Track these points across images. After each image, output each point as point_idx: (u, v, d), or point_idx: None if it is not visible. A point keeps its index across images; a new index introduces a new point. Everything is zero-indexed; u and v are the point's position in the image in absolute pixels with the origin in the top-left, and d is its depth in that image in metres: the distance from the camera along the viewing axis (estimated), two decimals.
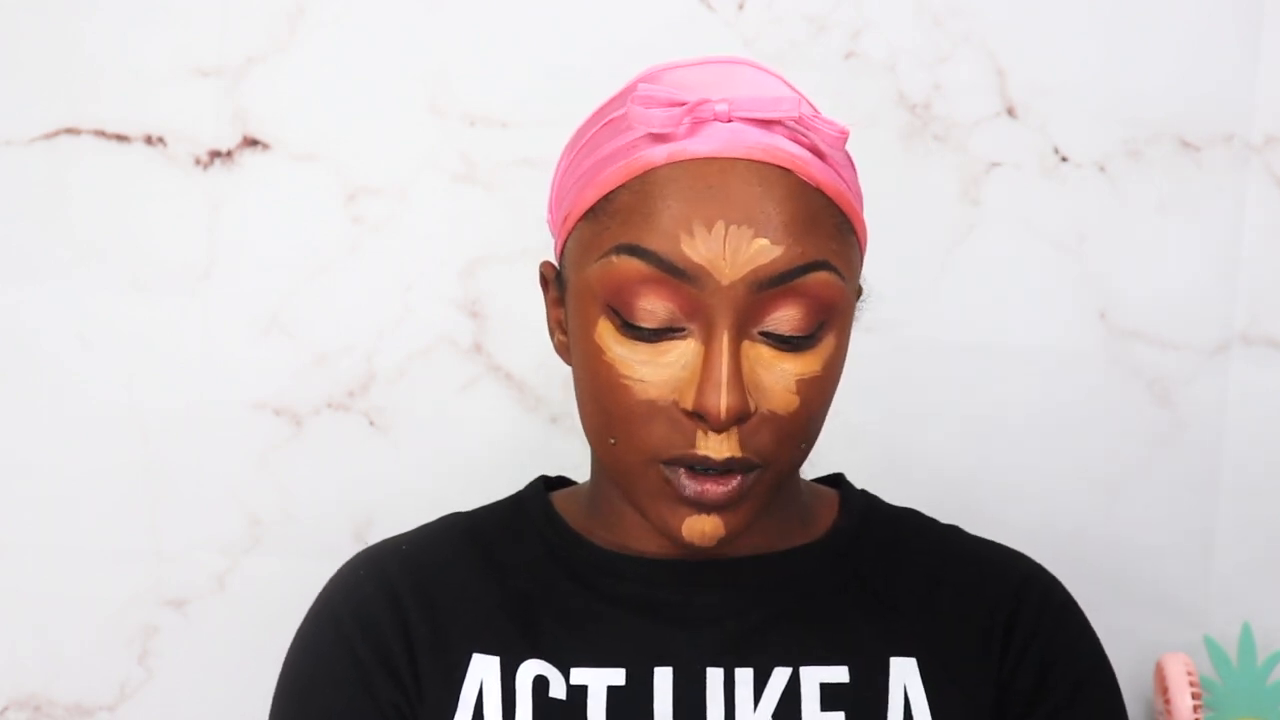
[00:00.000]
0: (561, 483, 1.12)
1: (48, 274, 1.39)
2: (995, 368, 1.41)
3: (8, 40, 1.38)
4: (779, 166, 0.91)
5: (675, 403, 0.92)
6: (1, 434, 1.40)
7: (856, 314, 0.99)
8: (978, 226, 1.40)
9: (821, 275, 0.91)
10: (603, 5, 1.39)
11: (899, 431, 1.41)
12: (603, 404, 0.94)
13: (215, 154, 1.39)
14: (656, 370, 0.91)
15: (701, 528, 0.94)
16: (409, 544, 1.06)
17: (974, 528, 1.10)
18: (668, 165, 0.91)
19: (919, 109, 1.39)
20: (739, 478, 0.93)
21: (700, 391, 0.90)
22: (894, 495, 1.11)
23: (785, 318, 0.91)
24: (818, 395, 0.94)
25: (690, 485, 0.92)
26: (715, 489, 0.92)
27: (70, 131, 1.38)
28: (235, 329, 1.40)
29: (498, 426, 1.40)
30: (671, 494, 0.93)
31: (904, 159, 1.39)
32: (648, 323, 0.91)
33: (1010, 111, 1.40)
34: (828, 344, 0.94)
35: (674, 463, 0.92)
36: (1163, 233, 1.40)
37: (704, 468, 0.92)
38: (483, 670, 0.99)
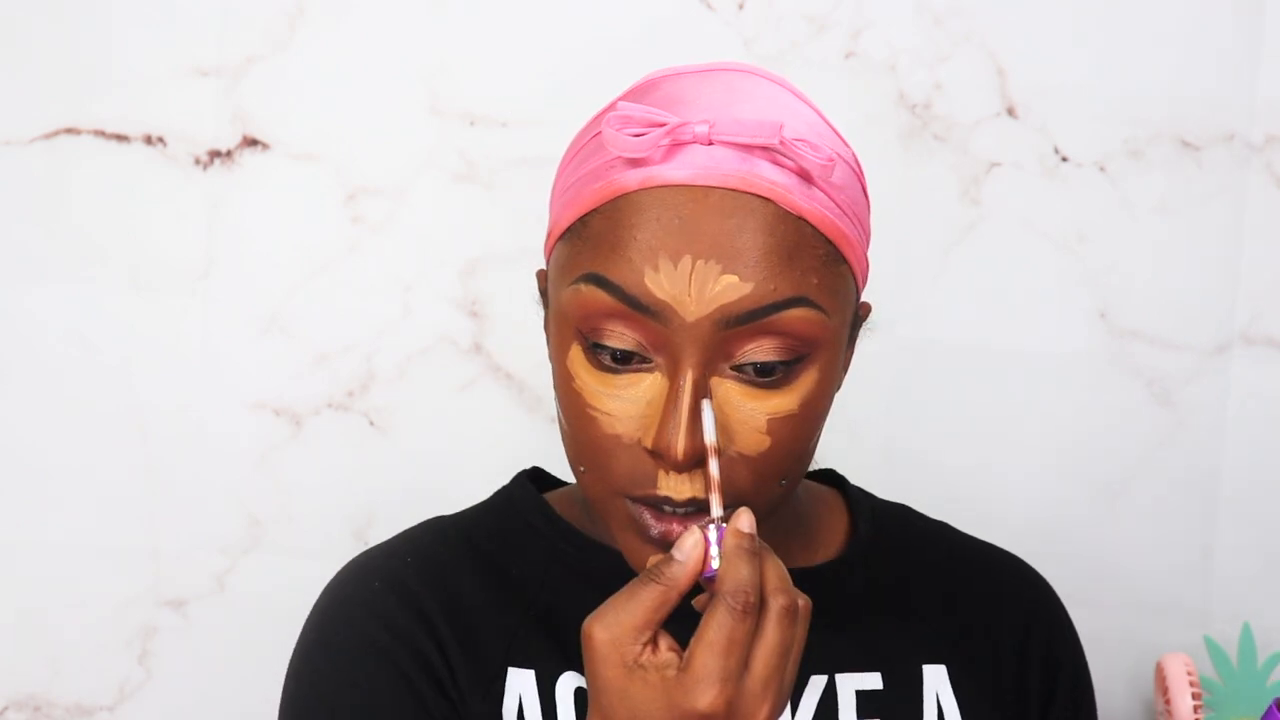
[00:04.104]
0: (545, 475, 1.08)
1: (48, 274, 1.39)
2: (995, 367, 1.40)
3: (8, 40, 1.38)
4: (758, 196, 0.86)
5: (639, 440, 0.88)
6: (1, 433, 1.40)
7: (862, 332, 0.96)
8: (978, 226, 1.40)
9: (798, 312, 0.87)
10: (603, 5, 1.39)
11: (899, 431, 1.41)
12: (573, 431, 0.90)
13: (215, 154, 1.39)
14: (623, 405, 0.88)
15: None
16: (412, 555, 1.01)
17: (973, 528, 1.10)
18: (640, 191, 0.87)
19: (919, 109, 1.39)
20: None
21: (659, 431, 0.86)
22: (892, 495, 1.11)
23: (757, 351, 0.87)
24: (793, 434, 0.89)
25: (655, 525, 0.88)
26: (679, 530, 0.87)
27: (70, 131, 1.38)
28: (235, 329, 1.39)
29: (498, 426, 1.40)
30: (637, 530, 0.89)
31: (904, 159, 1.39)
32: (617, 344, 0.87)
33: (1010, 111, 1.40)
34: (806, 380, 0.89)
35: (638, 501, 0.89)
36: (1163, 233, 1.40)
37: (668, 508, 0.88)
38: (520, 685, 0.95)
